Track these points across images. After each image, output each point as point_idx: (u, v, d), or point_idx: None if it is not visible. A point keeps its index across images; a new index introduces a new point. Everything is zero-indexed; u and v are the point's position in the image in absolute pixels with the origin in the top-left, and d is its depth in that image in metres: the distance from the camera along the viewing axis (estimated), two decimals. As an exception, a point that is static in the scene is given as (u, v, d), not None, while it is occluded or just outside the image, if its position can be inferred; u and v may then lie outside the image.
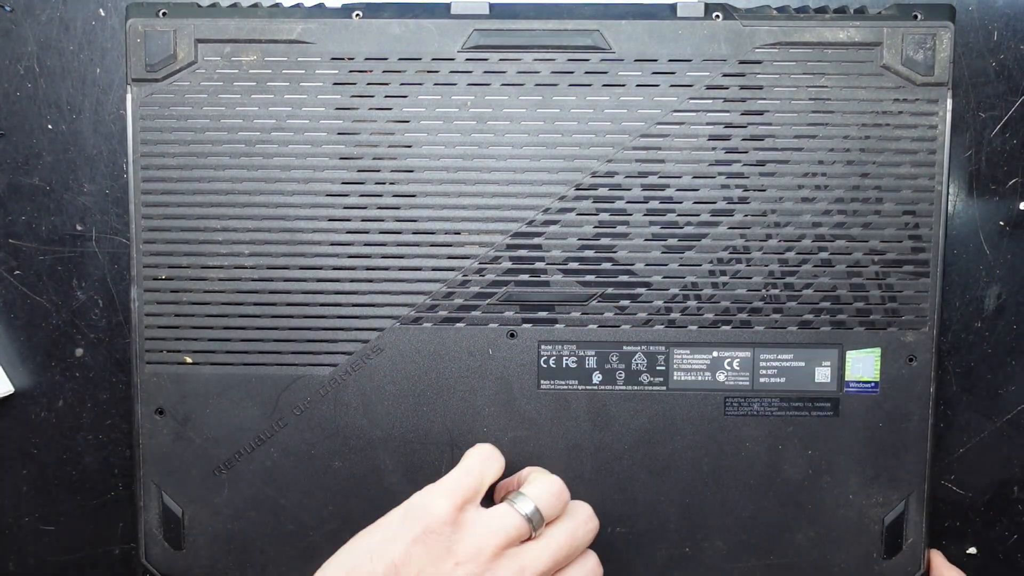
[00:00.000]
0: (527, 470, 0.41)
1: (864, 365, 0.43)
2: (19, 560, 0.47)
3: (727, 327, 0.43)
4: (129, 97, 0.42)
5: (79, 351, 0.47)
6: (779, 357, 0.43)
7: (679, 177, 0.42)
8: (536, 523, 0.36)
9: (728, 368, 0.43)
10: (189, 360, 0.43)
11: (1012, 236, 0.46)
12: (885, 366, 0.43)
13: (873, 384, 0.43)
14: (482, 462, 0.38)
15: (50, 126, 0.46)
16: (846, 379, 0.43)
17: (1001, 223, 0.47)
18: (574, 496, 0.39)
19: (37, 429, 0.47)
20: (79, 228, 0.46)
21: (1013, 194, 0.46)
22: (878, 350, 0.43)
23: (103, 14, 0.46)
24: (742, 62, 0.42)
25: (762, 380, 0.43)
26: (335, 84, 0.42)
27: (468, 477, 0.37)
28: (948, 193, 0.43)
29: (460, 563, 0.34)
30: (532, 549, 0.36)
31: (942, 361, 0.45)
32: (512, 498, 0.37)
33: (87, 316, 0.47)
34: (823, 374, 0.43)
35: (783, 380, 0.43)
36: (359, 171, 0.42)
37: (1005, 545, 0.48)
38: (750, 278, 0.43)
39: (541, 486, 0.37)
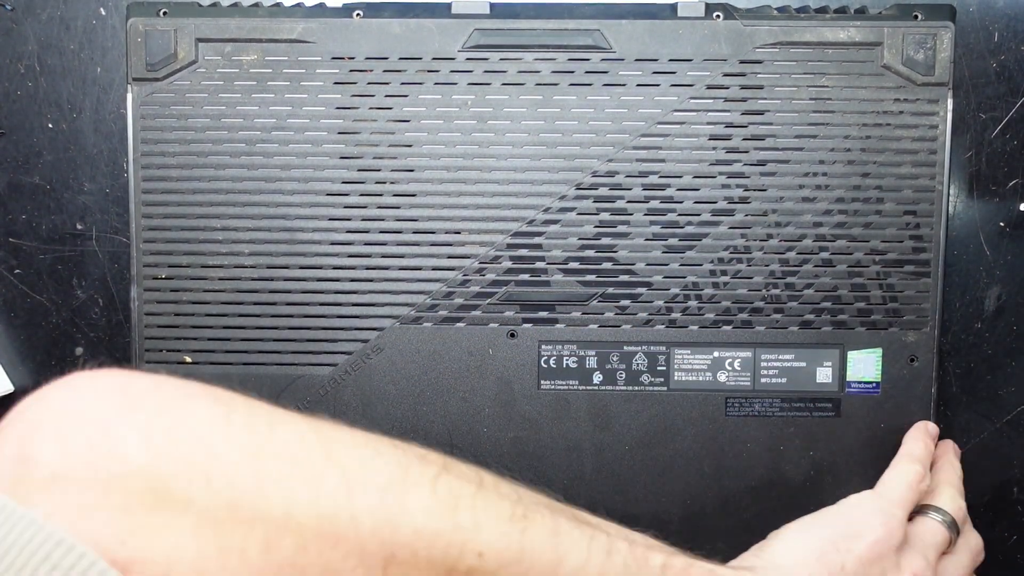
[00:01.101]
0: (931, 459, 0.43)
1: (865, 365, 0.43)
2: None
3: (728, 327, 0.43)
4: (129, 96, 0.42)
5: (79, 350, 0.47)
6: (780, 357, 0.43)
7: (680, 177, 0.42)
8: (954, 536, 0.40)
9: (729, 368, 0.43)
10: (188, 359, 0.43)
11: (1012, 237, 0.46)
12: (886, 366, 0.43)
13: (874, 384, 0.43)
14: (921, 480, 0.41)
15: (50, 125, 0.46)
16: (847, 379, 0.43)
17: (1001, 224, 0.46)
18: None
19: (36, 429, 0.47)
20: (79, 227, 0.46)
21: (1013, 195, 0.46)
22: (879, 350, 0.43)
23: (104, 13, 0.46)
24: (743, 62, 0.42)
25: (763, 380, 0.43)
26: (336, 83, 0.42)
27: (911, 493, 0.40)
28: (949, 193, 0.43)
29: (916, 573, 0.37)
30: (952, 562, 0.40)
31: (942, 362, 0.45)
32: (933, 513, 0.40)
33: (87, 315, 0.47)
34: (824, 374, 0.43)
35: (784, 380, 0.43)
36: (359, 170, 0.42)
37: (1005, 545, 0.47)
38: (751, 278, 0.43)
39: (950, 497, 0.41)
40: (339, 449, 0.28)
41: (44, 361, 0.47)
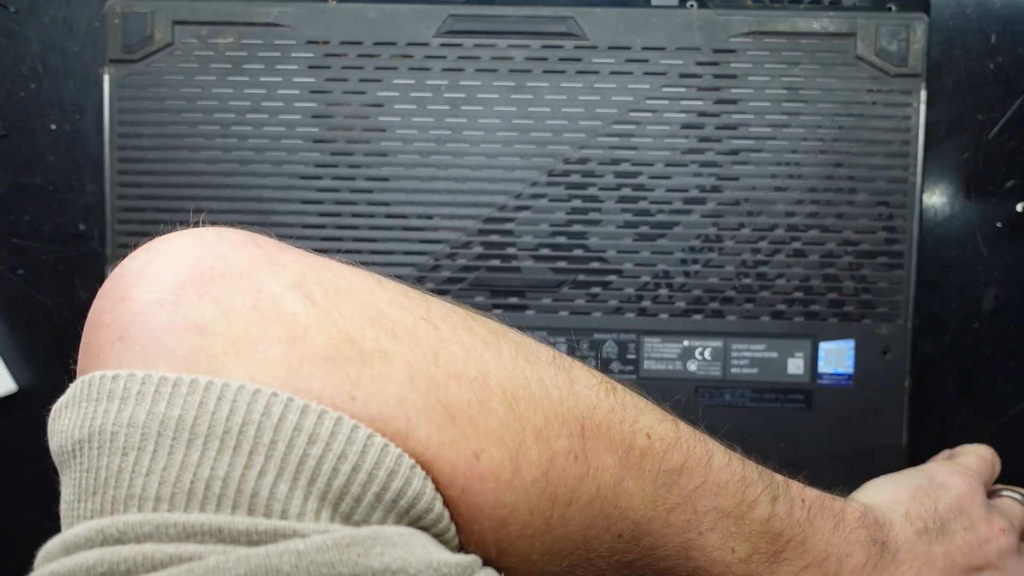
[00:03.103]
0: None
1: (838, 357, 0.43)
2: (22, 557, 0.47)
3: (699, 316, 0.43)
4: (106, 78, 0.42)
5: (83, 351, 0.47)
6: (751, 347, 0.43)
7: (652, 165, 0.42)
8: None
9: (699, 357, 0.43)
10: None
11: (1010, 237, 0.46)
12: (859, 358, 0.42)
13: (847, 376, 0.43)
14: (994, 457, 0.42)
15: (53, 126, 0.46)
16: (819, 371, 0.43)
17: (999, 224, 0.46)
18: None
19: (40, 427, 0.47)
20: (81, 227, 0.47)
21: (1011, 196, 0.46)
22: (852, 342, 0.42)
23: (105, 14, 0.46)
24: (716, 51, 0.42)
25: (734, 370, 0.43)
26: (310, 67, 0.42)
27: (986, 465, 0.41)
28: (922, 185, 0.42)
29: (1004, 530, 0.36)
30: None
31: (916, 355, 0.44)
32: (1009, 492, 0.40)
33: (91, 316, 0.47)
34: (796, 365, 0.43)
35: (755, 371, 0.43)
36: (332, 154, 0.42)
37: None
38: (722, 267, 0.42)
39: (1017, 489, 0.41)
40: (494, 324, 0.26)
41: (47, 361, 0.47)
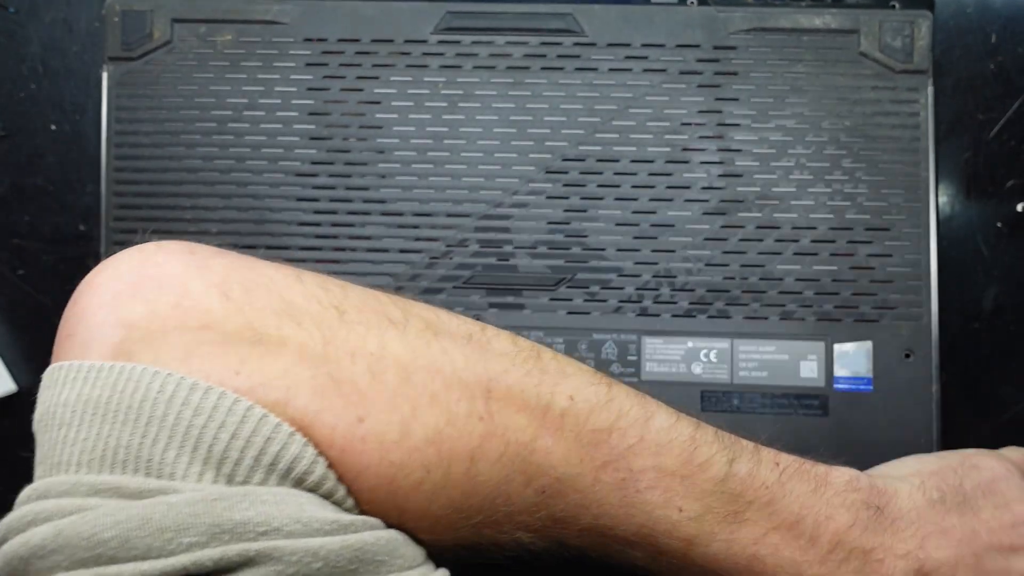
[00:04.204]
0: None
1: (854, 360, 0.40)
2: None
3: (703, 316, 0.41)
4: (105, 75, 0.42)
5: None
6: (760, 349, 0.40)
7: (652, 162, 0.41)
8: None
9: (704, 360, 0.40)
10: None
11: (1010, 237, 0.44)
12: (878, 361, 0.40)
13: (866, 380, 0.40)
14: None
15: (53, 127, 0.47)
16: (835, 374, 0.40)
17: (999, 224, 0.45)
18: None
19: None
20: (82, 228, 0.46)
21: (1011, 196, 0.45)
22: (869, 343, 0.40)
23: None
24: (717, 48, 0.41)
25: (742, 374, 0.40)
26: (308, 64, 0.42)
27: None
28: (936, 181, 0.41)
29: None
30: None
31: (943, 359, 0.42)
32: None
33: (87, 315, 0.46)
34: (809, 368, 0.40)
35: (765, 374, 0.40)
36: (329, 151, 0.42)
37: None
38: (727, 265, 0.41)
39: None
40: (414, 307, 0.28)
41: (47, 361, 0.46)
